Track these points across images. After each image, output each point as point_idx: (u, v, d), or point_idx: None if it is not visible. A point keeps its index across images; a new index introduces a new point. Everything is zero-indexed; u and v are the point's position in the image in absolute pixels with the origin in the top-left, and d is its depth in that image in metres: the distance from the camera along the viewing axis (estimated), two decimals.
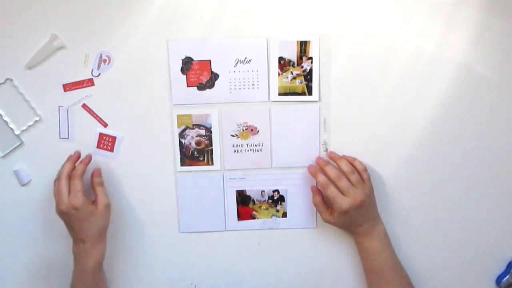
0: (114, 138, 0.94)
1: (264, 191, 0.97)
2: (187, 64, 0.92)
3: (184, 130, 0.95)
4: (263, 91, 0.93)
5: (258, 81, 0.92)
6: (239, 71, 0.92)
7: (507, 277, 0.98)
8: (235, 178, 0.97)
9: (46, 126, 0.93)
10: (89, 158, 0.93)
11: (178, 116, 0.94)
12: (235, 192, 0.98)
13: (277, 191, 0.97)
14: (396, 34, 0.91)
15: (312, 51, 0.91)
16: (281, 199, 0.98)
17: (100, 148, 0.94)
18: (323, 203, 0.94)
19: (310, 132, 0.95)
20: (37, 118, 0.93)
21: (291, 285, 1.01)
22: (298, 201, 0.98)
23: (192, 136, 0.95)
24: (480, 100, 0.93)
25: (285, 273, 1.01)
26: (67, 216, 0.88)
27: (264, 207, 0.98)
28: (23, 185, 0.95)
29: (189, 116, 0.94)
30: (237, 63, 0.92)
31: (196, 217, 0.98)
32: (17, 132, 0.93)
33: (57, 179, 0.89)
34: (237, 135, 0.95)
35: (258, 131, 0.95)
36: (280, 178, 0.97)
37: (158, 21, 0.90)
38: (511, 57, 0.92)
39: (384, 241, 0.94)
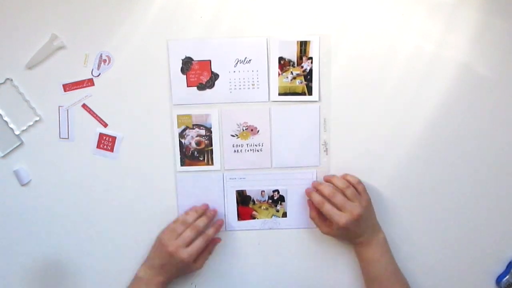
0: (114, 138, 0.94)
1: (264, 191, 0.97)
2: (187, 64, 0.92)
3: (184, 130, 0.95)
4: (263, 91, 0.93)
5: (258, 81, 0.92)
6: (239, 71, 0.92)
7: (507, 277, 0.98)
8: (235, 178, 0.97)
9: (46, 126, 0.93)
10: (214, 213, 0.97)
11: (178, 116, 0.94)
12: (235, 192, 0.98)
13: (277, 191, 0.97)
14: (396, 34, 0.91)
15: (312, 51, 0.91)
16: (281, 199, 0.98)
17: (100, 148, 0.94)
18: (320, 216, 0.94)
19: (310, 132, 0.95)
20: (37, 118, 0.93)
21: (291, 285, 1.01)
22: (298, 201, 0.98)
23: (192, 136, 0.95)
24: (480, 100, 0.93)
25: (285, 273, 1.01)
26: (170, 256, 0.90)
27: (264, 207, 0.98)
28: (23, 185, 0.95)
29: (189, 116, 0.94)
30: (237, 63, 0.92)
31: None
32: (17, 132, 0.93)
33: (184, 223, 0.93)
34: (237, 135, 0.95)
35: (258, 131, 0.95)
36: (280, 178, 0.97)
37: (158, 21, 0.90)
38: (511, 57, 0.92)
39: (384, 249, 0.94)
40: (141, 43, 0.91)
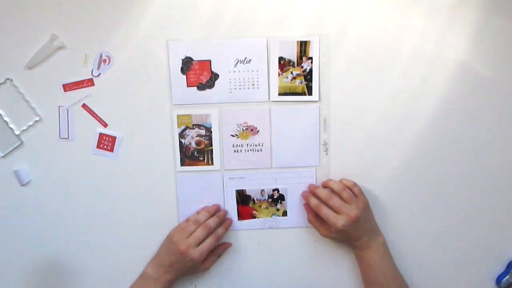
0: (114, 138, 0.94)
1: (264, 190, 0.97)
2: (187, 64, 0.92)
3: (184, 130, 0.95)
4: (263, 91, 0.93)
5: (258, 81, 0.92)
6: (239, 71, 0.92)
7: (507, 277, 0.98)
8: (235, 178, 0.97)
9: (46, 126, 0.93)
10: (224, 213, 0.97)
11: (178, 116, 0.94)
12: (235, 192, 0.98)
13: (277, 190, 0.97)
14: (396, 34, 0.91)
15: (312, 51, 0.91)
16: (281, 198, 0.98)
17: (100, 148, 0.94)
18: (317, 220, 0.94)
19: (310, 132, 0.95)
20: (37, 118, 0.93)
21: (291, 285, 1.01)
22: (298, 200, 0.98)
23: (192, 136, 0.95)
24: (480, 100, 0.93)
25: (285, 273, 1.01)
26: (180, 254, 0.91)
27: (264, 206, 0.98)
28: (23, 185, 0.95)
29: (189, 116, 0.94)
30: (237, 63, 0.92)
31: None
32: (17, 132, 0.93)
33: (196, 222, 0.93)
34: (237, 135, 0.95)
35: (258, 131, 0.95)
36: (280, 177, 0.97)
37: (158, 21, 0.90)
38: (511, 57, 0.92)
39: (384, 253, 0.94)
40: (141, 43, 0.91)
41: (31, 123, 0.93)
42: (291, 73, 0.92)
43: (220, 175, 0.97)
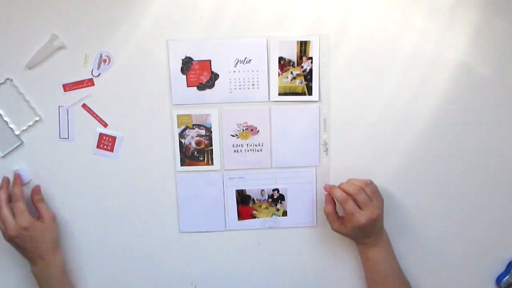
0: (114, 138, 0.94)
1: (263, 190, 0.97)
2: (187, 64, 0.92)
3: (184, 130, 0.95)
4: (263, 91, 0.93)
5: (258, 81, 0.92)
6: (239, 71, 0.92)
7: (507, 277, 0.98)
8: (235, 178, 0.97)
9: (46, 126, 0.93)
10: (18, 177, 0.93)
11: (178, 116, 0.94)
12: (235, 192, 0.98)
13: (277, 190, 0.97)
14: (396, 34, 0.91)
15: (312, 51, 0.91)
16: (281, 198, 0.98)
17: (100, 148, 0.94)
18: (335, 213, 0.93)
19: (310, 132, 0.95)
20: (37, 118, 0.93)
21: (291, 285, 1.01)
22: (298, 200, 0.98)
23: (192, 136, 0.95)
24: (480, 100, 0.93)
25: (285, 273, 1.01)
26: (19, 239, 0.89)
27: (264, 206, 0.98)
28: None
29: (189, 116, 0.94)
30: (237, 63, 0.92)
31: (196, 217, 0.98)
32: (17, 132, 0.93)
33: None
34: (237, 135, 0.95)
35: (258, 131, 0.95)
36: (280, 177, 0.97)
37: (158, 21, 0.90)
38: (511, 57, 0.92)
39: (388, 250, 0.94)
40: (141, 43, 0.91)
41: (31, 123, 0.93)
42: (291, 73, 0.92)
43: (220, 175, 0.97)
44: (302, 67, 0.92)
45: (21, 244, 0.90)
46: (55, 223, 0.94)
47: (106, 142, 0.94)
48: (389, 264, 0.93)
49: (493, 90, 0.93)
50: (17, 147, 0.94)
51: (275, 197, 0.98)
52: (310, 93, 0.93)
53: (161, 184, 0.96)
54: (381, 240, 0.93)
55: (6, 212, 0.89)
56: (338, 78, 0.92)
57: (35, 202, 0.93)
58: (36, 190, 0.94)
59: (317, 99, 0.93)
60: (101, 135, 0.94)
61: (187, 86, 0.93)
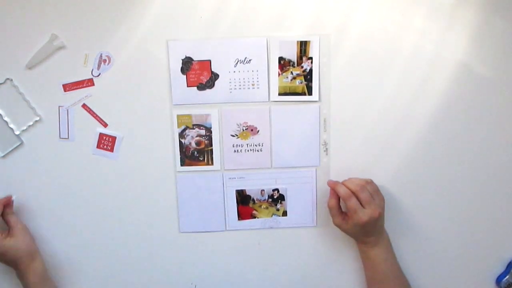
0: (114, 138, 0.94)
1: (263, 190, 0.97)
2: (187, 64, 0.92)
3: (184, 130, 0.95)
4: (263, 91, 0.93)
5: (258, 81, 0.92)
6: (239, 71, 0.92)
7: (507, 277, 0.98)
8: (235, 178, 0.97)
9: (46, 126, 0.93)
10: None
11: (178, 116, 0.94)
12: (235, 192, 0.98)
13: (277, 190, 0.97)
14: (396, 34, 0.91)
15: (312, 51, 0.91)
16: (281, 198, 0.98)
17: (100, 148, 0.94)
18: (338, 207, 0.93)
19: (310, 132, 0.95)
20: (37, 118, 0.93)
21: (291, 285, 1.01)
22: (298, 200, 0.98)
23: (192, 136, 0.95)
24: (480, 100, 0.93)
25: (285, 273, 1.01)
26: None
27: (264, 206, 0.98)
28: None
29: (189, 116, 0.94)
30: (237, 63, 0.92)
31: (196, 217, 0.98)
32: (17, 132, 0.93)
33: None
34: (237, 135, 0.95)
35: (258, 131, 0.95)
36: (280, 177, 0.97)
37: (158, 21, 0.90)
38: (511, 57, 0.92)
39: (388, 250, 0.94)
40: (141, 43, 0.91)
41: (31, 123, 0.93)
42: (291, 73, 0.92)
43: (220, 175, 0.97)
44: (302, 67, 0.92)
45: None
46: (27, 234, 0.92)
47: (106, 142, 0.94)
48: (389, 264, 0.94)
49: (493, 90, 0.93)
50: (17, 147, 0.94)
51: (275, 197, 0.98)
52: (310, 93, 0.93)
53: (161, 184, 0.96)
54: (382, 240, 0.93)
55: None
56: (338, 78, 0.93)
57: (5, 215, 0.92)
58: (8, 202, 0.93)
59: (317, 99, 0.93)
60: (101, 135, 0.94)
61: (187, 86, 0.93)
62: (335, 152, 0.96)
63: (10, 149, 0.94)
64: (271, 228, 0.99)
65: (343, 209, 0.93)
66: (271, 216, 0.99)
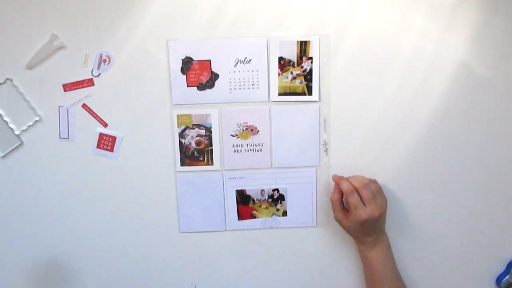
0: (114, 138, 0.94)
1: (264, 190, 0.97)
2: (187, 64, 0.92)
3: (184, 130, 0.95)
4: (263, 91, 0.93)
5: (258, 81, 0.92)
6: (239, 71, 0.92)
7: (507, 277, 0.98)
8: (235, 178, 0.97)
9: (46, 126, 0.93)
10: None
11: (178, 116, 0.94)
12: (235, 192, 0.98)
13: (277, 190, 0.97)
14: (396, 34, 0.91)
15: (312, 51, 0.91)
16: (281, 198, 0.98)
17: (100, 148, 0.94)
18: (341, 202, 0.93)
19: (310, 132, 0.95)
20: (37, 118, 0.93)
21: (291, 285, 1.01)
22: (298, 200, 0.98)
23: (192, 136, 0.95)
24: (480, 100, 0.93)
25: (285, 273, 1.01)
26: None
27: (264, 206, 0.98)
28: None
29: (189, 116, 0.94)
30: (237, 63, 0.92)
31: (196, 217, 0.98)
32: (17, 132, 0.93)
33: None
34: (237, 135, 0.95)
35: (258, 131, 0.95)
36: (280, 177, 0.97)
37: (158, 21, 0.90)
38: (511, 57, 0.92)
39: (387, 252, 0.94)
40: (141, 43, 0.91)
41: (31, 123, 0.93)
42: (291, 73, 0.92)
43: (220, 175, 0.97)
44: (302, 67, 0.92)
45: None
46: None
47: (106, 142, 0.94)
48: (387, 266, 0.93)
49: (493, 90, 0.93)
50: (17, 147, 0.94)
51: (275, 197, 0.98)
52: (310, 93, 0.93)
53: (161, 184, 0.96)
54: (381, 241, 0.93)
55: None
56: (338, 78, 0.93)
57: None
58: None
59: (317, 99, 0.93)
60: (101, 135, 0.94)
61: (187, 86, 0.93)
62: (335, 152, 0.96)
63: (10, 149, 0.94)
64: (271, 228, 0.99)
65: (346, 206, 0.93)
66: (271, 216, 0.99)
